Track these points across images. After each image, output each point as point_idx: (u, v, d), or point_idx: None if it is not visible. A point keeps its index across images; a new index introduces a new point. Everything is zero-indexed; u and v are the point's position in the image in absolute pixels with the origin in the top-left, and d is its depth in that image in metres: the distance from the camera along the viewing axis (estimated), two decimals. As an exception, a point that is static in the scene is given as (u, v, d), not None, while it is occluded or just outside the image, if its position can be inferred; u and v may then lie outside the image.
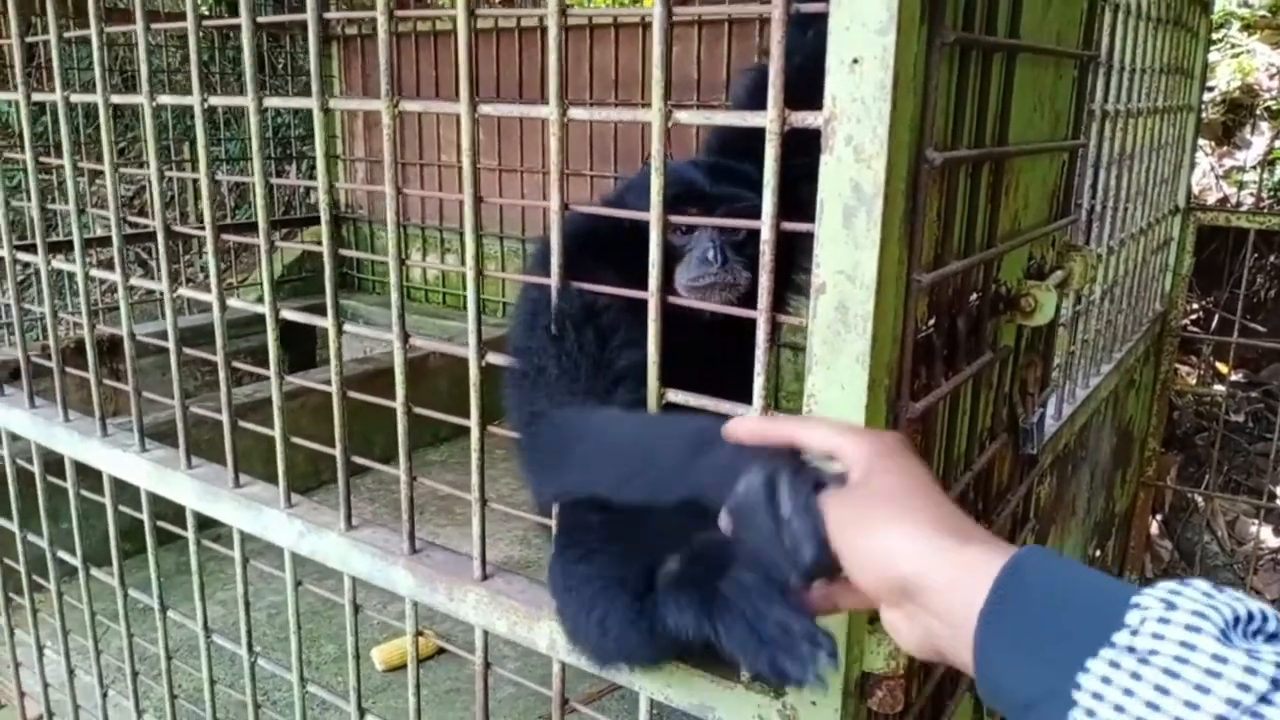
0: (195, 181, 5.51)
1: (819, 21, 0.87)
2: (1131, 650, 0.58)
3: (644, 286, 1.03)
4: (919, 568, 0.70)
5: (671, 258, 1.30)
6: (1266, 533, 3.94)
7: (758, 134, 0.91)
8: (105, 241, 4.21)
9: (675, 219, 1.08)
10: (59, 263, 1.82)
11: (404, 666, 2.64)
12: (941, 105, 0.98)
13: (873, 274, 0.86)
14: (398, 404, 1.27)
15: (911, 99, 0.89)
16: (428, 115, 5.06)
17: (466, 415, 1.21)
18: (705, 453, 0.89)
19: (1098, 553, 2.83)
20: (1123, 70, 2.16)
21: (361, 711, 1.47)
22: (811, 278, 0.90)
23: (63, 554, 2.00)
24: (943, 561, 0.70)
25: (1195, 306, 4.45)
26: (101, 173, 1.62)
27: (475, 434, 1.20)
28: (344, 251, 1.44)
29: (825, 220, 0.88)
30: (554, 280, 1.11)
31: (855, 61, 0.84)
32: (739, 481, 0.83)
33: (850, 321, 0.88)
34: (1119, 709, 0.57)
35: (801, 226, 0.91)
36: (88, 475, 1.85)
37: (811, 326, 0.90)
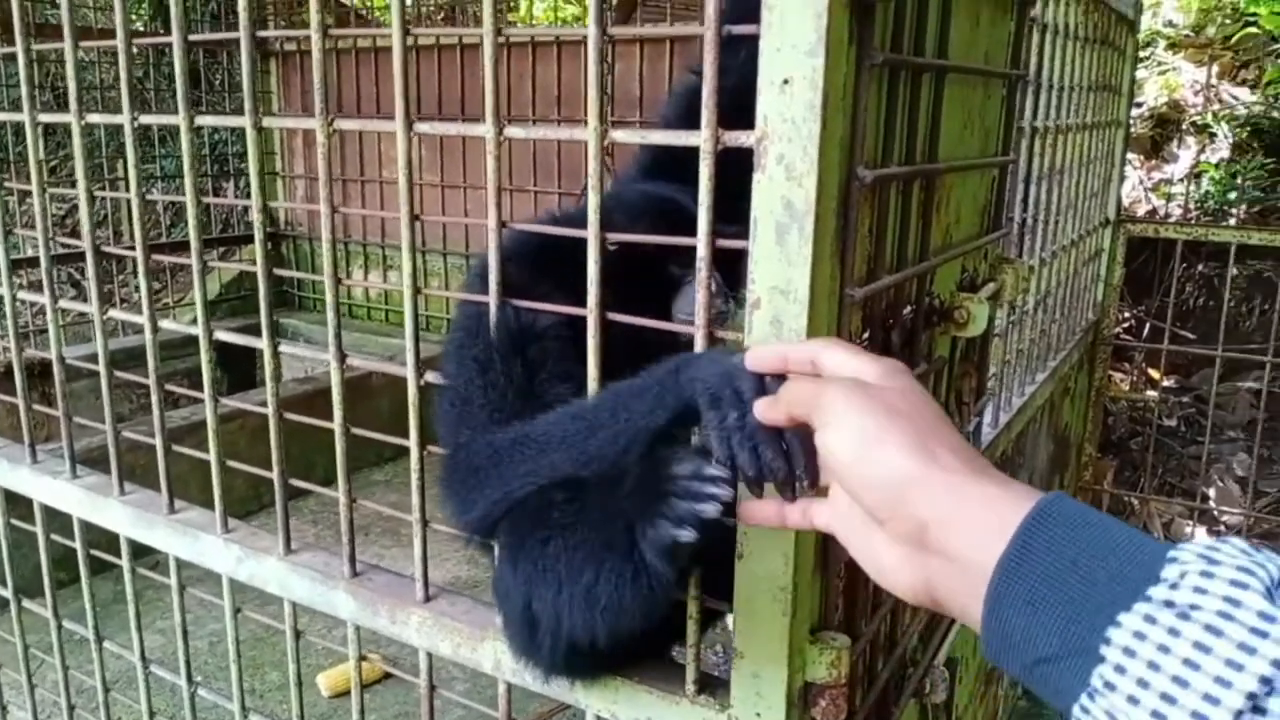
0: (129, 200, 5.41)
1: (751, 43, 0.88)
2: (1170, 605, 0.54)
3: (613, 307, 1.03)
4: (937, 497, 0.66)
5: (668, 287, 1.27)
6: (1200, 533, 4.05)
7: (693, 153, 0.92)
8: (35, 262, 4.11)
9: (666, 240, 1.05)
10: (-15, 286, 1.78)
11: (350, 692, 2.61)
12: (871, 124, 1.00)
13: (805, 289, 0.88)
14: (335, 425, 1.26)
15: (841, 118, 0.91)
16: (368, 131, 5.02)
17: (407, 435, 1.20)
18: (672, 374, 0.90)
19: (1038, 558, 2.87)
20: (1051, 88, 2.22)
21: (304, 739, 1.44)
22: (746, 293, 0.91)
23: (-8, 585, 1.94)
24: (962, 496, 0.66)
25: (1127, 315, 4.57)
26: (29, 195, 1.59)
27: (415, 454, 1.20)
28: (279, 271, 1.43)
29: (759, 237, 0.89)
30: (492, 299, 1.11)
31: (785, 82, 0.86)
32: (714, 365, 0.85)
33: (784, 336, 0.89)
34: (1153, 666, 0.52)
35: (736, 244, 0.92)
36: (17, 503, 1.80)
37: (747, 341, 0.91)
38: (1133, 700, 0.53)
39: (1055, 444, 2.94)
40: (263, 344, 1.30)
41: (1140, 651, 0.53)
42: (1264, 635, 0.51)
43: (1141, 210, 4.96)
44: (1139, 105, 5.27)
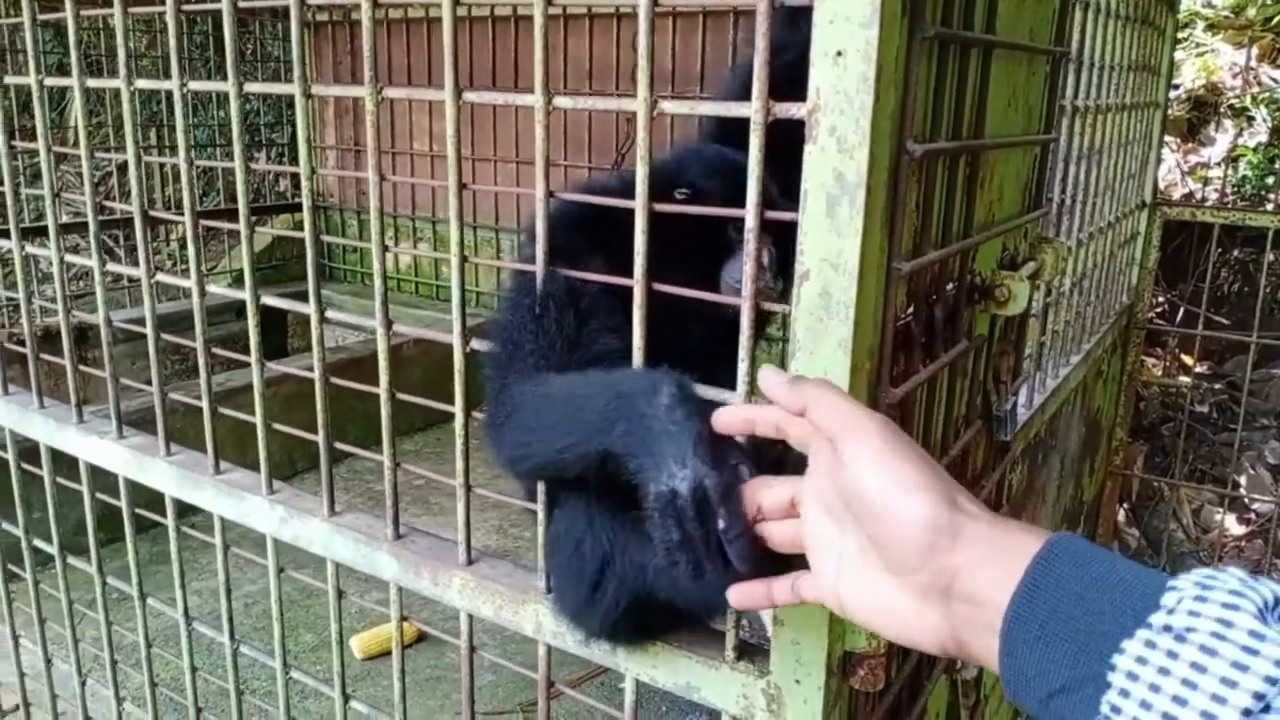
0: (163, 168, 5.45)
1: (809, 16, 0.88)
2: (1168, 629, 0.57)
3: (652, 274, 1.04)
4: (967, 544, 0.68)
5: (723, 250, 1.30)
6: (1230, 521, 4.03)
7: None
8: (73, 228, 4.16)
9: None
10: (32, 248, 1.81)
11: (383, 655, 2.65)
12: (921, 98, 1.00)
13: (855, 261, 0.88)
14: (381, 390, 1.28)
15: (893, 91, 0.91)
16: (400, 104, 5.04)
17: (438, 404, 1.22)
18: (625, 410, 0.90)
19: (1065, 540, 2.87)
20: (1092, 67, 2.20)
21: (345, 697, 1.47)
22: (795, 265, 0.92)
23: (38, 542, 1.98)
24: (988, 541, 0.68)
25: (1161, 300, 4.53)
26: (64, 160, 1.61)
27: (460, 419, 1.21)
28: (325, 238, 1.45)
29: (809, 209, 0.90)
30: (539, 267, 1.12)
31: (839, 54, 0.86)
32: (660, 479, 0.84)
33: (833, 308, 0.90)
34: (1154, 688, 0.55)
35: (785, 215, 0.93)
36: (62, 463, 1.84)
37: (795, 313, 0.92)
38: None
39: (1087, 427, 2.93)
40: (310, 309, 1.32)
41: (1142, 675, 0.56)
42: (1255, 653, 0.53)
43: (1177, 194, 4.90)
44: (1176, 87, 5.20)
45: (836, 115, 0.87)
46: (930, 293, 1.14)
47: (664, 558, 0.85)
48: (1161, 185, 4.31)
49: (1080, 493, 3.04)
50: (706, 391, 1.02)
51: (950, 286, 1.20)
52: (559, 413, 1.00)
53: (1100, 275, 2.68)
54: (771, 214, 0.94)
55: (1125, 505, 3.97)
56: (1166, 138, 4.15)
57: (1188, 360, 4.51)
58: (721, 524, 0.82)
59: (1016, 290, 1.30)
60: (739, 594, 0.87)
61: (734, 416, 0.87)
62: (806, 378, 0.86)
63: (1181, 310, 4.54)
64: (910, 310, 1.09)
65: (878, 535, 0.73)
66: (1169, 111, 3.77)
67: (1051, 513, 2.51)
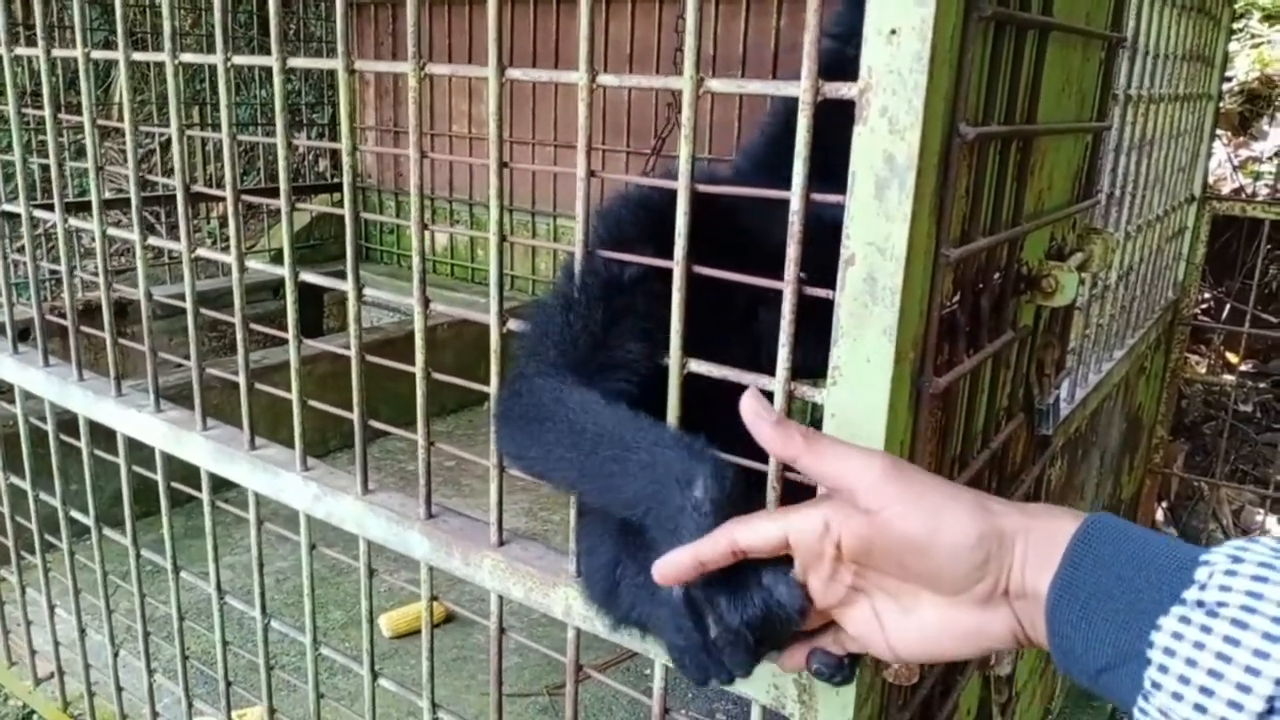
0: (204, 146, 5.50)
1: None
2: (1200, 604, 0.58)
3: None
4: (1015, 542, 0.69)
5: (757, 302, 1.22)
6: (1271, 522, 3.95)
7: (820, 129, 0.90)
8: (114, 204, 4.21)
9: None
10: (76, 221, 1.82)
11: (411, 634, 2.67)
12: (974, 80, 0.97)
13: (903, 247, 0.86)
14: (417, 369, 1.27)
15: (947, 71, 0.88)
16: (439, 85, 5.04)
17: (474, 385, 1.21)
18: (657, 495, 0.85)
19: (1103, 538, 2.83)
20: (1146, 55, 2.15)
21: (374, 674, 1.48)
22: (840, 249, 0.90)
23: (74, 513, 2.01)
24: (1029, 533, 0.69)
25: (1207, 296, 4.44)
26: (106, 137, 1.62)
27: (494, 399, 1.20)
28: (364, 215, 1.44)
29: (857, 192, 0.88)
30: (577, 248, 1.11)
31: (893, 32, 0.84)
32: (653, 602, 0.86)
33: (878, 294, 0.88)
34: (1191, 663, 0.56)
35: (831, 198, 0.91)
36: (99, 436, 1.86)
37: (839, 299, 0.90)
38: (1177, 696, 0.57)
39: (1127, 424, 2.88)
40: (348, 287, 1.32)
41: (1178, 650, 0.57)
42: None
43: (1227, 188, 4.80)
44: (1229, 79, 5.08)
45: (888, 95, 0.85)
46: (977, 281, 1.11)
47: (670, 655, 0.86)
48: (1211, 179, 4.21)
49: (1119, 490, 2.98)
50: (744, 377, 1.00)
51: (997, 275, 1.17)
52: (578, 451, 0.94)
53: (1146, 269, 2.63)
54: (817, 195, 0.92)
55: (1164, 504, 3.90)
56: (1218, 131, 4.06)
57: (1232, 358, 4.42)
58: (713, 633, 0.80)
59: (1065, 281, 1.27)
60: (788, 661, 0.86)
61: (678, 564, 0.80)
62: (793, 421, 0.83)
63: (1228, 307, 4.45)
64: (956, 299, 1.06)
65: (923, 569, 0.72)
66: (1221, 104, 3.68)
67: (1089, 509, 2.46)
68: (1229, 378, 4.30)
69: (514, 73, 1.13)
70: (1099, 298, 2.14)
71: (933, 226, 0.92)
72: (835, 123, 0.91)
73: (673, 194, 1.05)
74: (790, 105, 1.35)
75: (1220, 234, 3.99)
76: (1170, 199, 2.77)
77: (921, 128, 0.84)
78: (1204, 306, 4.42)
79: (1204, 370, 4.47)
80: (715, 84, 0.99)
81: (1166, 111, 2.47)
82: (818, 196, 0.92)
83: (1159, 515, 3.82)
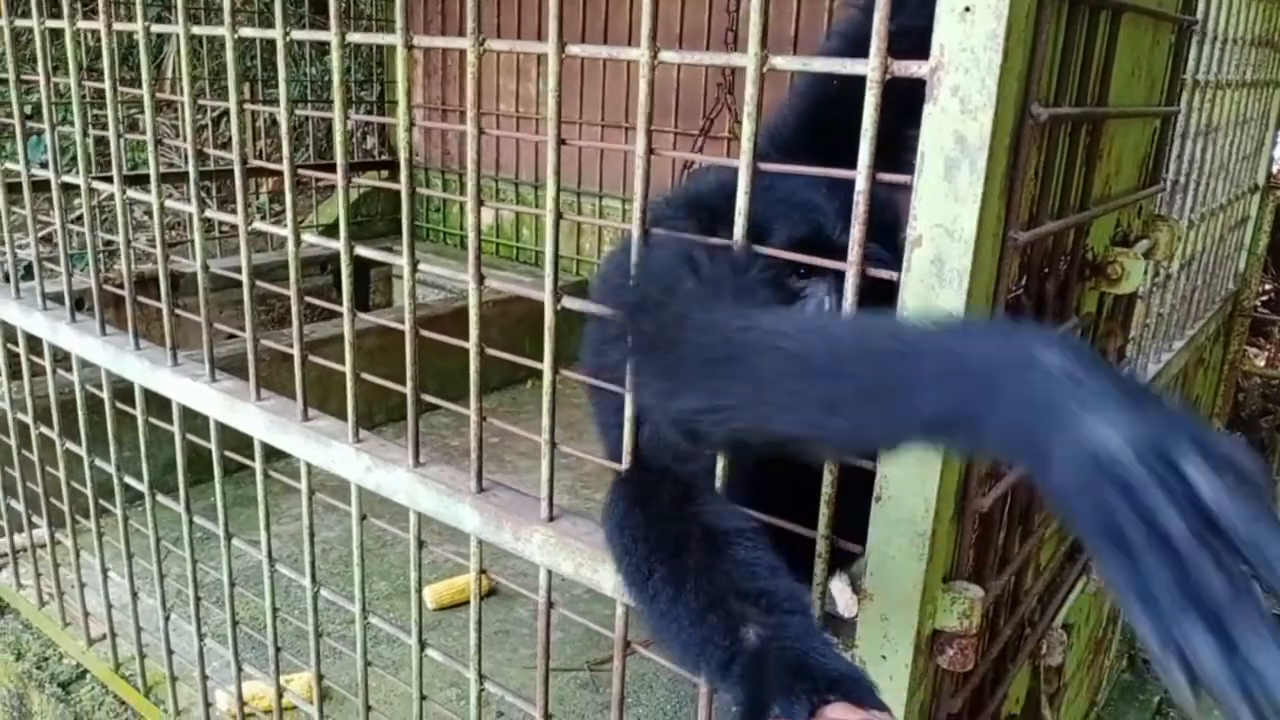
0: (255, 121, 5.54)
1: None
2: None
3: None
4: None
5: (788, 296, 1.21)
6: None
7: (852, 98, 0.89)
8: (170, 178, 4.26)
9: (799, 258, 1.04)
10: (134, 193, 1.85)
11: (454, 606, 2.69)
12: (1047, 60, 0.95)
13: (972, 229, 0.85)
14: (470, 343, 1.27)
15: (1021, 51, 0.86)
16: (487, 66, 5.04)
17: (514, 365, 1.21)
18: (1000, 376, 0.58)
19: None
20: (1215, 39, 2.09)
21: (422, 644, 1.49)
22: (907, 230, 0.88)
23: (129, 479, 2.04)
24: None
25: (1268, 287, 4.34)
26: (160, 112, 1.63)
27: (548, 376, 1.21)
28: (421, 191, 1.44)
29: (926, 172, 0.86)
30: (635, 226, 1.10)
31: (967, 9, 0.82)
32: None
33: (945, 276, 0.87)
34: None
35: (898, 178, 0.90)
36: (153, 404, 1.89)
37: (904, 280, 0.89)
38: None
39: (1182, 416, 2.82)
40: (403, 261, 1.32)
41: None
42: None
43: (1290, 178, 4.67)
44: (1295, 66, 4.93)
45: (960, 74, 0.83)
46: (1043, 265, 1.09)
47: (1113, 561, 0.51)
48: (1276, 168, 4.11)
49: (1171, 485, 2.93)
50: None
51: (1063, 260, 1.15)
52: (818, 378, 0.70)
53: (1208, 259, 2.57)
54: (884, 175, 0.91)
55: (1217, 500, 3.83)
56: (1282, 119, 3.95)
57: (1291, 352, 4.32)
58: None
59: (1130, 268, 1.25)
60: None
61: None
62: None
63: (1288, 300, 4.35)
64: (1022, 282, 1.04)
65: None
66: (1288, 91, 3.58)
67: (1142, 503, 2.43)
68: (1288, 372, 4.21)
69: (574, 49, 1.12)
70: (1160, 287, 2.10)
71: (1002, 209, 0.90)
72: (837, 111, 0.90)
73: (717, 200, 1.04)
74: (815, 86, 1.33)
75: (1282, 225, 3.89)
76: (1234, 187, 2.70)
77: (994, 108, 0.82)
78: (1265, 298, 4.31)
79: (1263, 363, 4.37)
80: (780, 61, 0.97)
81: (1233, 98, 2.40)
82: (885, 176, 0.91)
83: (1211, 510, 3.76)
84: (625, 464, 1.16)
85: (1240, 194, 2.85)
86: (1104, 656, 2.34)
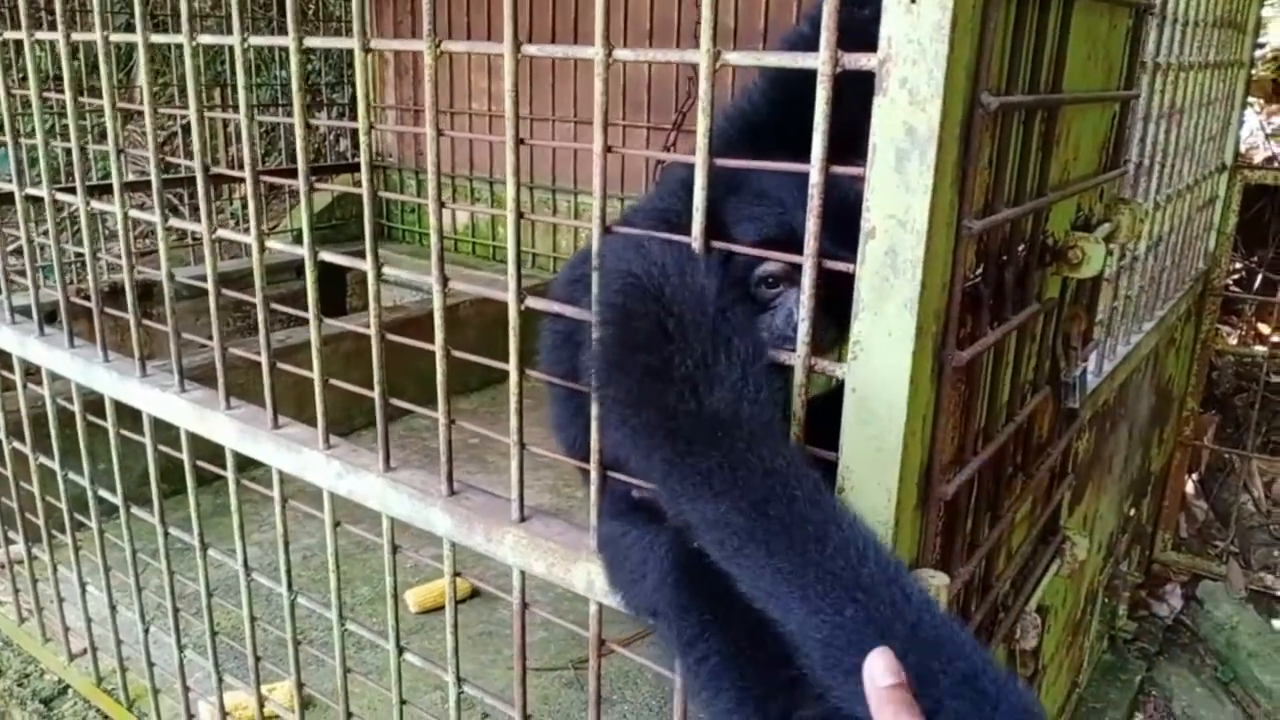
0: (226, 127, 5.51)
1: None
2: None
3: None
4: None
5: (755, 305, 1.17)
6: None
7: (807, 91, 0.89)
8: (138, 187, 4.23)
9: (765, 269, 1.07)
10: (98, 204, 1.83)
11: (437, 609, 2.69)
12: (997, 49, 0.96)
13: (924, 219, 0.85)
14: (436, 346, 1.27)
15: (968, 41, 0.87)
16: (458, 63, 5.02)
17: (493, 366, 1.21)
18: None
19: (1133, 511, 2.81)
20: (1175, 22, 2.10)
21: (400, 649, 1.49)
22: (861, 222, 0.89)
23: (103, 492, 2.03)
24: None
25: (1239, 266, 4.37)
26: (130, 120, 1.62)
27: (514, 377, 1.21)
28: (382, 194, 1.44)
29: (877, 164, 0.86)
30: (595, 226, 1.10)
31: (912, 2, 0.82)
32: None
33: (899, 267, 0.87)
34: None
35: (851, 170, 0.90)
36: (126, 416, 1.88)
37: (860, 272, 0.89)
38: None
39: (1157, 396, 2.85)
40: (367, 266, 1.32)
41: None
42: None
43: (1259, 157, 4.71)
44: (1261, 46, 4.97)
45: (908, 66, 0.83)
46: (1001, 253, 1.09)
47: None
48: (1243, 148, 4.14)
49: (1148, 463, 2.95)
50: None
51: (1021, 247, 1.15)
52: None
53: (1176, 240, 2.59)
54: (836, 169, 0.91)
55: (1194, 477, 3.86)
56: (1250, 99, 3.98)
57: (1264, 329, 4.35)
58: None
59: (1091, 252, 1.25)
60: None
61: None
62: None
63: (1260, 277, 4.38)
64: (979, 271, 1.05)
65: None
66: (1254, 71, 3.61)
67: (1118, 483, 2.45)
68: (1261, 349, 4.24)
69: (530, 49, 1.12)
70: (1127, 269, 2.11)
71: (955, 198, 0.91)
72: (807, 96, 0.90)
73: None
74: (785, 76, 1.31)
75: (1252, 203, 3.91)
76: (1201, 168, 2.72)
77: (942, 98, 0.83)
78: (1235, 277, 4.35)
79: (1235, 341, 4.40)
80: (732, 56, 0.98)
81: (1196, 79, 2.42)
82: (837, 169, 0.91)
83: (1189, 488, 3.78)
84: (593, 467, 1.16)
85: (1208, 174, 2.87)
86: (1083, 637, 2.36)
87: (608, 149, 1.08)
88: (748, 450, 0.82)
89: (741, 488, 0.81)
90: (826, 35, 0.88)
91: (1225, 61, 2.80)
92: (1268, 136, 4.84)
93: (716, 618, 0.97)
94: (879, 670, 0.72)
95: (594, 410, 1.10)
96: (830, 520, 0.80)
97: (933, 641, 0.74)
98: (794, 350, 0.97)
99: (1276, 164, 4.31)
